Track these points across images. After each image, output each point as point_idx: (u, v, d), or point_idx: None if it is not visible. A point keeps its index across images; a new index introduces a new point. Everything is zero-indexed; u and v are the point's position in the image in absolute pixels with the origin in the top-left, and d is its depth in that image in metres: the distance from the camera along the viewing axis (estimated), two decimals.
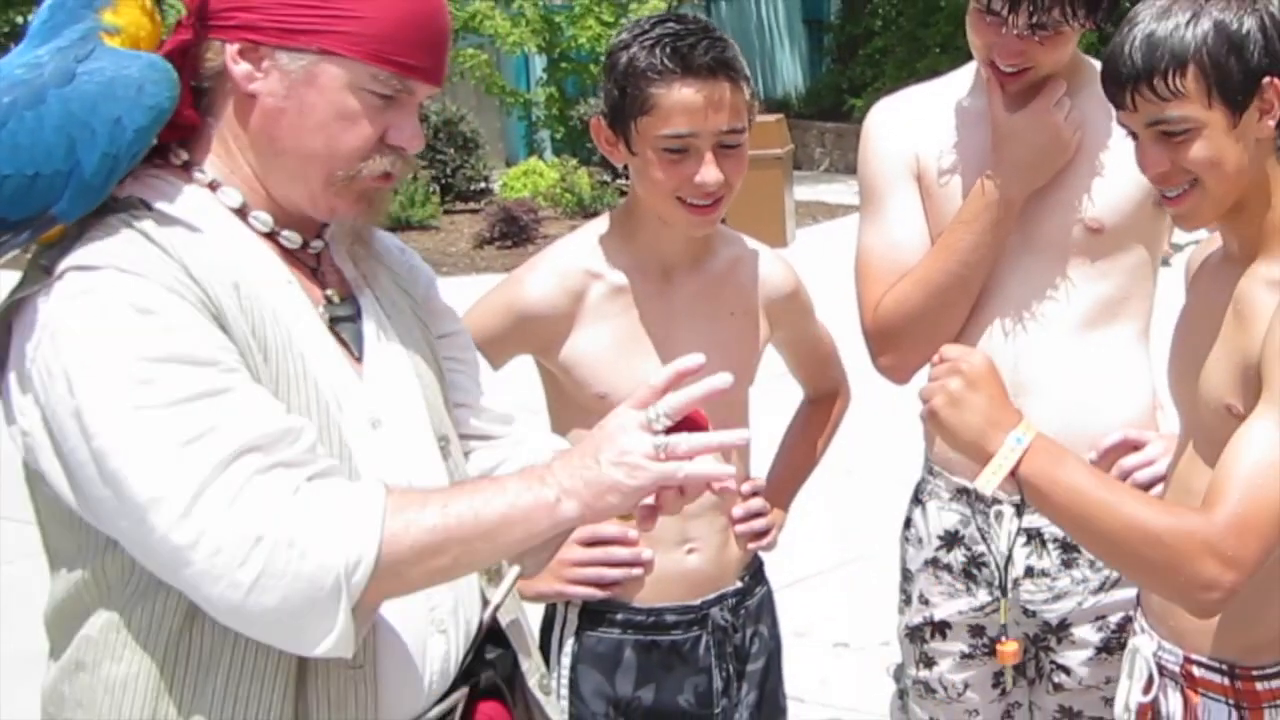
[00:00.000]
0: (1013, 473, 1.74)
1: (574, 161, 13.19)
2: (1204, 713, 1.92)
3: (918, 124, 2.36)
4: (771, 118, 12.86)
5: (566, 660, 2.30)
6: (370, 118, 1.54)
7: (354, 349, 1.63)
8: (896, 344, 2.32)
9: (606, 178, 12.43)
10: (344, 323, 1.62)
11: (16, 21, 17.75)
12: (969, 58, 2.35)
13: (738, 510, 2.32)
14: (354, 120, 1.53)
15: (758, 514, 2.34)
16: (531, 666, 1.79)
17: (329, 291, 1.62)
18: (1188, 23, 1.77)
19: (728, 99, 2.10)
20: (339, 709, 1.52)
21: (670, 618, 2.28)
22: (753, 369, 2.34)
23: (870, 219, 2.39)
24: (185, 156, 1.57)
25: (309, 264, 1.62)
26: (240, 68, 1.52)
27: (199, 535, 1.36)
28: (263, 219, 1.57)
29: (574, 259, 2.28)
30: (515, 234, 11.62)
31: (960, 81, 2.38)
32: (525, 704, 1.76)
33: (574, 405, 2.26)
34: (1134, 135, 1.86)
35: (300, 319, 1.56)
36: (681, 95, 2.08)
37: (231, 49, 1.52)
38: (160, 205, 1.51)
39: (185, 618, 1.47)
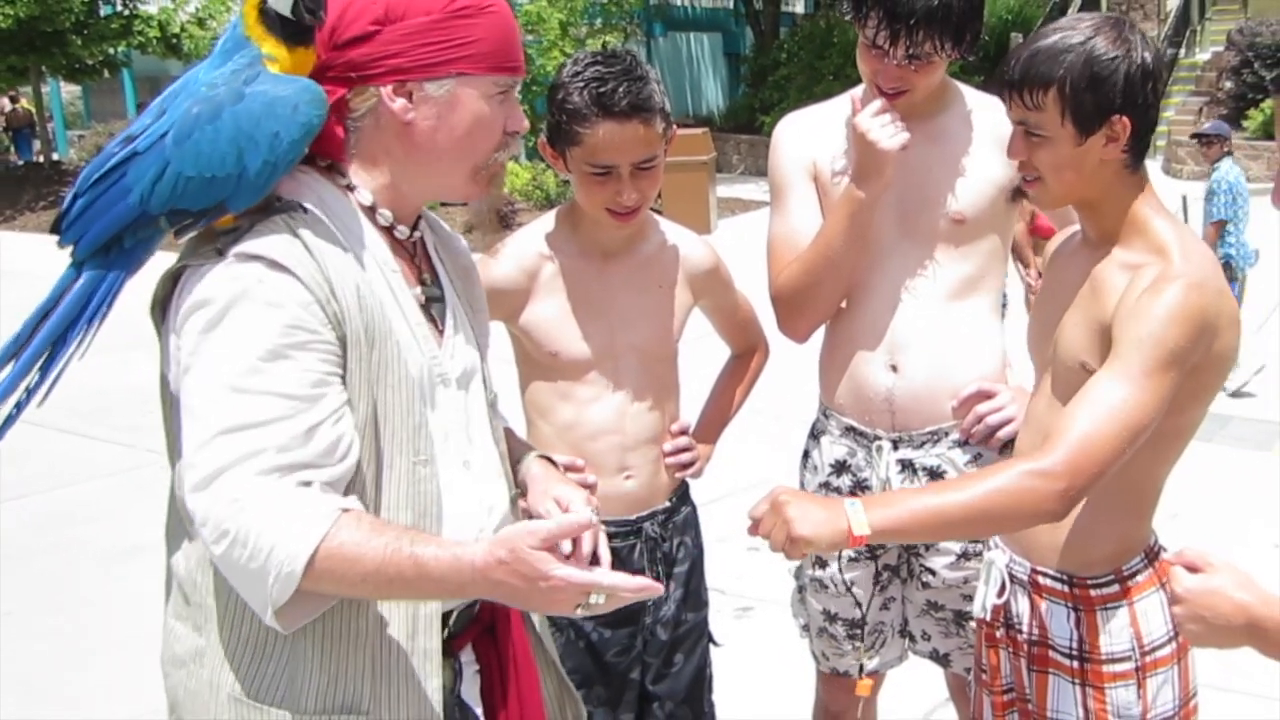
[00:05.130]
0: (858, 536, 1.58)
1: (543, 165, 13.04)
2: (1047, 613, 1.89)
3: (815, 135, 2.30)
4: (698, 130, 12.86)
5: None
6: (498, 117, 1.55)
7: (439, 323, 1.60)
8: (790, 310, 2.27)
9: (568, 178, 12.29)
10: (434, 302, 1.61)
11: (109, 52, 16.87)
12: (857, 83, 2.29)
13: (668, 445, 2.31)
14: (489, 123, 1.54)
15: (685, 449, 2.34)
16: None
17: (424, 275, 1.61)
18: (1067, 50, 1.68)
19: (641, 134, 2.04)
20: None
21: (610, 529, 2.21)
22: (678, 329, 2.29)
23: (776, 211, 2.33)
24: (329, 162, 1.54)
25: (410, 252, 1.61)
26: (397, 104, 1.50)
27: (199, 507, 1.36)
28: (385, 215, 1.55)
29: (529, 244, 2.23)
30: (496, 222, 11.58)
31: (849, 103, 2.30)
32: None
33: (532, 361, 2.24)
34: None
35: (400, 302, 1.54)
36: (602, 134, 2.03)
37: (385, 90, 1.49)
38: (311, 206, 1.47)
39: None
